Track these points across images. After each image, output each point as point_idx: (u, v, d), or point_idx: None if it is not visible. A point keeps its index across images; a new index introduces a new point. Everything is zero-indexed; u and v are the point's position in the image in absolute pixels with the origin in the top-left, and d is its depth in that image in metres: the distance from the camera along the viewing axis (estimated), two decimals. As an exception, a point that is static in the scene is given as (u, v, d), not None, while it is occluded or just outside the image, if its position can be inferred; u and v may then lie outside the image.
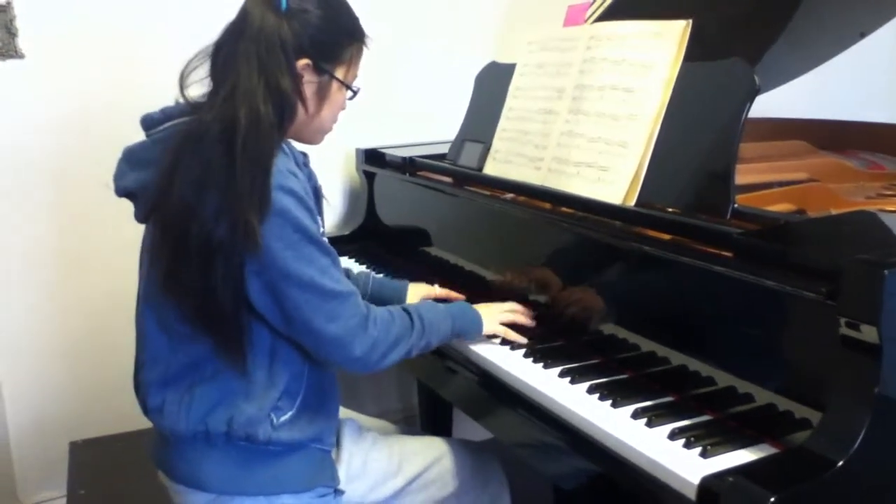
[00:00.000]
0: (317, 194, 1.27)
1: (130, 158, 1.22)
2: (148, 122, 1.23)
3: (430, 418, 2.25)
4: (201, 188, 1.11)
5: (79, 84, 1.93)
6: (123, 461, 1.71)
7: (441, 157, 1.95)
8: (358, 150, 2.18)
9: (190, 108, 1.19)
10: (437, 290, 1.61)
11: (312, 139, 1.30)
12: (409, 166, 1.99)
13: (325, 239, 1.27)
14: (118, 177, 1.23)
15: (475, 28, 2.37)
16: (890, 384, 0.94)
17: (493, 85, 1.82)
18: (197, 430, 1.20)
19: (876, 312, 0.92)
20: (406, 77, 2.30)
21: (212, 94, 1.18)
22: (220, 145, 1.11)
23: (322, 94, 1.24)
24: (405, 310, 1.30)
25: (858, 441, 0.91)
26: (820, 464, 0.91)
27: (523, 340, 1.42)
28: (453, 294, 1.61)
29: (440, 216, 1.89)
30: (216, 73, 1.19)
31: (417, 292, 1.60)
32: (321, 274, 1.15)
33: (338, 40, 1.24)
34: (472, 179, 1.77)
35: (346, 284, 1.20)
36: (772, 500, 0.87)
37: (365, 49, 1.29)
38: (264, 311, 1.16)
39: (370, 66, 2.17)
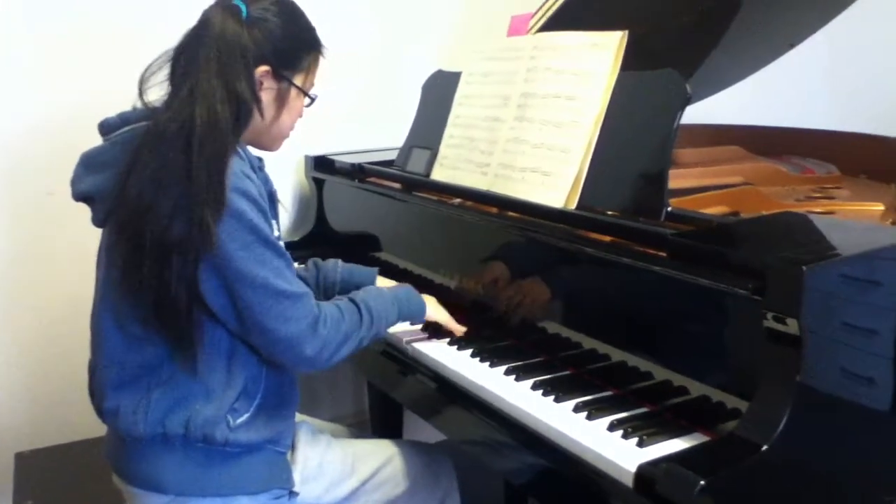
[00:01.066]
0: (272, 198, 1.30)
1: (87, 162, 1.24)
2: (105, 127, 1.25)
3: (380, 421, 2.27)
4: (158, 186, 1.13)
5: (31, 86, 1.91)
6: (73, 471, 1.69)
7: (390, 163, 1.98)
8: (307, 157, 2.20)
9: (149, 112, 1.21)
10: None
11: (271, 145, 1.33)
12: (357, 172, 2.02)
13: (281, 242, 1.30)
14: (75, 181, 1.24)
15: (422, 36, 2.41)
16: (811, 374, 1.00)
17: (439, 93, 1.86)
18: (155, 432, 1.21)
19: (797, 306, 0.98)
20: (354, 84, 2.32)
21: (170, 97, 1.21)
22: (177, 143, 1.13)
23: (281, 101, 1.27)
24: (353, 301, 1.33)
25: (781, 426, 0.96)
26: (746, 448, 0.97)
27: (461, 330, 1.48)
28: None
29: (389, 222, 1.92)
30: (176, 77, 1.21)
31: (385, 283, 1.62)
32: (275, 275, 1.17)
33: (297, 49, 1.28)
34: (420, 185, 1.81)
35: (298, 286, 1.22)
36: (701, 483, 0.92)
37: (322, 58, 1.33)
38: (218, 311, 1.18)
39: (319, 73, 2.21)
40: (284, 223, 2.27)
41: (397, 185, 1.88)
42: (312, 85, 1.34)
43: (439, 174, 1.77)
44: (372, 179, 1.98)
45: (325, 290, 1.59)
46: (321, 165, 2.16)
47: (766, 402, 1.00)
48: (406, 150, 1.92)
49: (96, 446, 1.34)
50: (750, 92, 2.24)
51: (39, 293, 1.94)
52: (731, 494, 0.94)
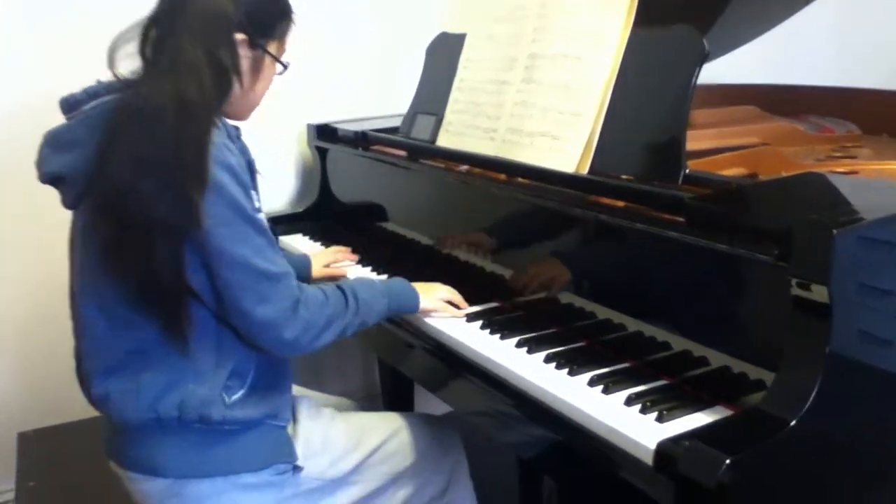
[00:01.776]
0: (251, 169, 1.24)
1: (53, 142, 1.17)
2: (70, 104, 1.19)
3: (391, 395, 2.24)
4: (140, 165, 1.07)
5: (30, 84, 1.85)
6: (75, 450, 1.67)
7: (394, 130, 1.92)
8: (309, 126, 2.14)
9: (120, 85, 1.16)
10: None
11: (243, 115, 1.29)
12: (361, 141, 1.96)
13: (262, 214, 1.25)
14: (41, 162, 1.18)
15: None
16: (840, 343, 0.95)
17: (444, 56, 1.80)
18: (147, 417, 1.18)
19: (826, 272, 0.92)
20: (357, 50, 2.26)
21: (148, 69, 1.15)
22: (162, 120, 1.08)
23: (256, 69, 1.24)
24: (340, 288, 1.28)
25: (810, 400, 0.91)
26: (773, 424, 0.92)
27: (461, 314, 1.42)
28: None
29: (395, 190, 1.87)
30: (151, 48, 1.16)
31: (320, 260, 1.67)
32: (255, 254, 1.13)
33: (271, 16, 1.24)
34: (425, 152, 1.75)
35: (280, 265, 1.17)
36: (727, 461, 0.87)
37: (293, 26, 1.29)
38: (199, 290, 1.14)
39: (320, 39, 2.15)
40: (288, 195, 2.23)
41: (402, 153, 1.82)
42: (284, 52, 1.30)
43: (445, 140, 1.71)
44: (376, 147, 1.92)
45: None
46: (324, 134, 2.11)
47: (793, 374, 0.95)
48: (410, 117, 1.86)
49: (97, 423, 1.30)
50: (756, 51, 2.16)
51: (34, 274, 1.90)
52: (756, 473, 0.90)
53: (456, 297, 1.44)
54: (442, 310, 1.42)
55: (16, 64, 1.85)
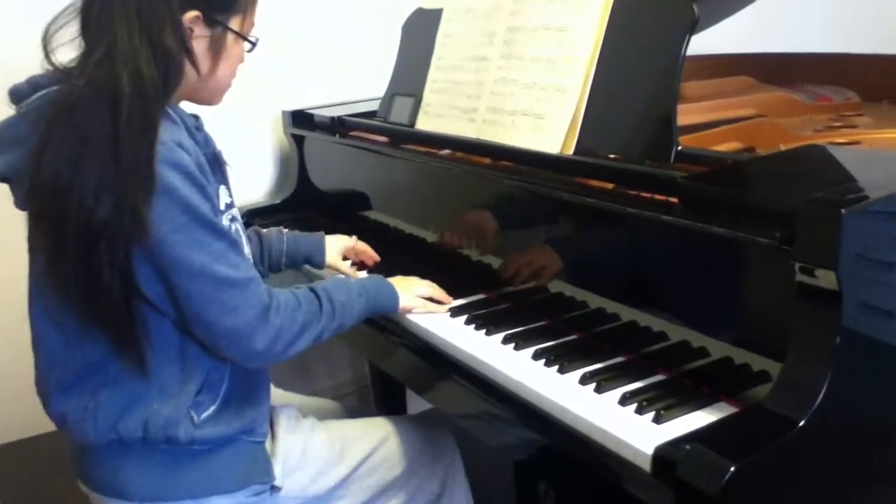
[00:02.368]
0: (217, 161, 1.15)
1: None
2: (15, 96, 1.09)
3: (382, 390, 2.16)
4: (77, 164, 0.97)
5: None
6: (48, 464, 1.59)
7: (373, 114, 1.84)
8: (284, 113, 2.04)
9: (61, 75, 1.05)
10: (355, 243, 1.56)
11: (211, 99, 1.17)
12: (338, 126, 1.87)
13: (234, 210, 1.17)
14: None
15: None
16: (855, 331, 0.87)
17: (421, 33, 1.71)
18: (108, 438, 1.09)
19: (834, 256, 0.84)
20: (330, 29, 2.16)
21: (84, 57, 1.04)
22: (98, 114, 0.98)
23: (217, 50, 1.11)
24: (313, 290, 1.19)
25: (820, 398, 0.84)
26: (781, 425, 0.84)
27: (443, 309, 1.35)
28: (370, 251, 1.57)
29: (375, 177, 1.78)
30: (88, 33, 1.04)
31: (335, 245, 1.53)
32: (214, 260, 1.03)
33: None
34: (404, 137, 1.67)
35: (244, 270, 1.08)
36: (732, 469, 0.79)
37: None
38: (155, 301, 1.05)
39: (291, 20, 2.05)
40: (266, 186, 2.14)
41: (382, 139, 1.74)
42: (252, 26, 1.16)
43: (424, 123, 1.62)
44: (354, 133, 1.83)
45: (271, 262, 1.46)
46: (300, 121, 2.01)
47: (799, 370, 0.87)
48: (388, 99, 1.78)
49: (64, 438, 1.22)
50: (748, 18, 2.06)
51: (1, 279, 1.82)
52: (762, 478, 0.82)
53: (437, 291, 1.36)
54: (422, 307, 1.33)
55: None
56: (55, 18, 1.05)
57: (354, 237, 1.57)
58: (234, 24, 1.12)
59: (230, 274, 1.04)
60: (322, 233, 1.53)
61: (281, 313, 1.10)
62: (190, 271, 1.01)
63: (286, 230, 1.51)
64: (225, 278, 1.04)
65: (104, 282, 1.00)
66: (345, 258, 1.56)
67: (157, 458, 1.11)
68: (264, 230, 1.50)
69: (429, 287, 1.36)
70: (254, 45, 1.16)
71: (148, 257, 1.01)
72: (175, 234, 1.00)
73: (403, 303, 1.31)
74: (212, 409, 1.12)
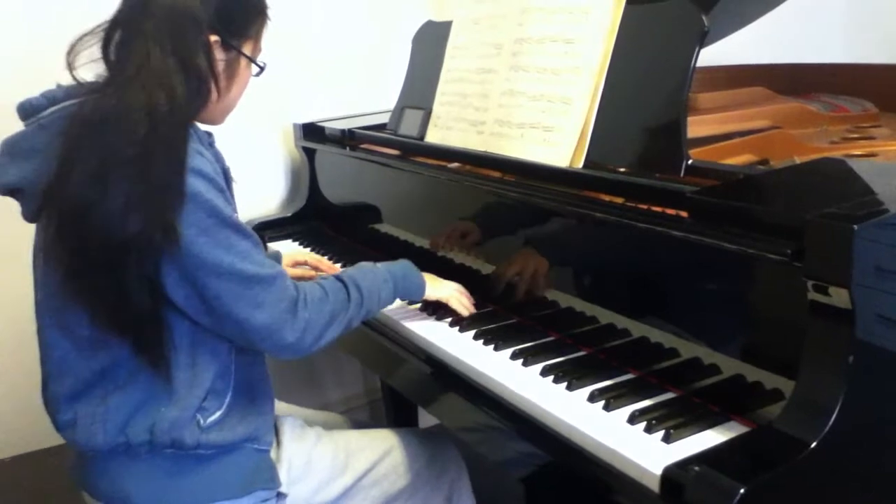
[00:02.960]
0: (226, 177, 1.16)
1: (11, 150, 1.09)
2: (28, 109, 1.11)
3: (394, 404, 2.15)
4: (105, 179, 0.99)
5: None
6: (52, 477, 1.59)
7: (383, 126, 1.84)
8: (295, 126, 2.05)
9: (81, 90, 1.08)
10: (307, 255, 1.61)
11: (217, 119, 1.21)
12: (348, 139, 1.87)
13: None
14: None
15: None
16: (869, 348, 0.84)
17: (430, 46, 1.70)
18: (116, 442, 1.10)
19: (846, 274, 0.82)
20: (341, 44, 2.16)
21: (113, 75, 1.07)
22: (130, 133, 1.00)
23: (230, 72, 1.15)
24: (339, 279, 1.21)
25: (832, 419, 0.81)
26: (792, 446, 0.82)
27: (467, 312, 1.35)
28: (324, 262, 1.61)
29: (386, 190, 1.78)
30: (116, 53, 1.08)
31: (292, 258, 1.58)
32: (241, 259, 1.06)
33: (244, 15, 1.16)
34: (413, 149, 1.66)
35: (269, 266, 1.10)
36: (741, 491, 0.77)
37: (269, 22, 1.21)
38: (183, 305, 1.07)
39: (305, 36, 2.06)
40: (276, 198, 2.14)
41: (392, 151, 1.73)
42: (260, 51, 1.21)
43: (433, 136, 1.61)
44: (365, 146, 1.83)
45: None
46: (311, 133, 2.02)
47: (811, 390, 0.84)
48: (398, 112, 1.77)
49: (70, 450, 1.22)
50: (762, 28, 2.04)
51: (6, 292, 1.81)
52: (772, 501, 0.80)
53: (466, 294, 1.38)
54: (449, 300, 1.35)
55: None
56: (80, 38, 1.09)
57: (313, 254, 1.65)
58: (247, 49, 1.17)
59: (258, 271, 1.07)
60: (278, 251, 1.58)
61: (309, 305, 1.13)
62: (218, 271, 1.04)
63: (283, 252, 1.56)
64: (253, 275, 1.07)
65: (133, 293, 1.02)
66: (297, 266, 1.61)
67: (162, 464, 1.13)
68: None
69: (457, 289, 1.37)
70: (262, 69, 1.21)
71: (176, 263, 1.03)
72: (202, 236, 1.02)
73: (430, 291, 1.33)
74: (217, 414, 1.13)
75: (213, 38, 1.11)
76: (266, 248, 1.51)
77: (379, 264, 1.29)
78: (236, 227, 1.07)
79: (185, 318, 1.09)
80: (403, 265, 1.33)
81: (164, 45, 1.05)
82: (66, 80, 1.11)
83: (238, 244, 1.06)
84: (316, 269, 1.59)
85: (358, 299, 1.20)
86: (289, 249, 1.59)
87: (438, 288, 1.35)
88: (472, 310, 1.36)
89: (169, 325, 1.08)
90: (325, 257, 1.76)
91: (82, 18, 1.11)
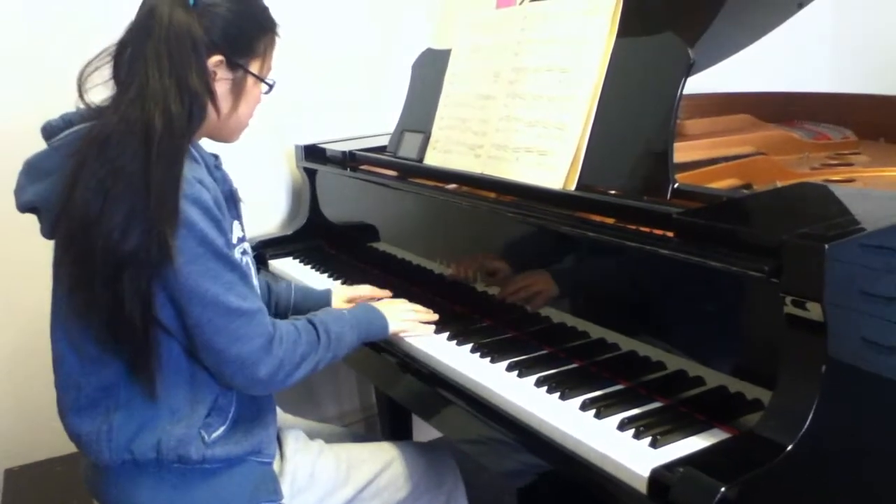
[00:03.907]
0: (233, 197, 1.21)
1: (29, 170, 1.15)
2: (48, 131, 1.16)
3: (389, 418, 2.19)
4: (106, 196, 1.04)
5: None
6: (64, 486, 1.63)
7: (383, 149, 1.90)
8: (297, 147, 2.11)
9: (93, 113, 1.12)
10: (362, 291, 1.58)
11: (229, 138, 1.25)
12: (349, 160, 1.93)
13: (245, 244, 1.22)
14: (18, 191, 1.16)
15: (411, 14, 2.31)
16: (842, 358, 0.91)
17: (429, 72, 1.77)
18: (122, 459, 1.14)
19: (819, 288, 0.89)
20: (344, 68, 2.23)
21: (117, 96, 1.12)
22: (129, 150, 1.04)
23: (237, 91, 1.18)
24: (311, 323, 1.24)
25: (807, 423, 0.87)
26: (770, 449, 0.88)
27: (430, 330, 1.40)
28: (378, 292, 1.58)
29: (385, 210, 1.83)
30: (121, 74, 1.12)
31: (341, 295, 1.56)
32: (226, 291, 1.09)
33: (250, 33, 1.18)
34: (413, 171, 1.72)
35: (252, 301, 1.13)
36: (722, 490, 0.83)
37: (278, 39, 1.24)
38: (167, 325, 1.10)
39: (305, 58, 2.13)
40: (278, 217, 2.20)
41: (391, 173, 1.79)
42: (270, 69, 1.24)
43: (432, 159, 1.68)
44: (365, 167, 1.89)
45: (277, 314, 1.51)
46: (312, 155, 2.08)
47: (787, 396, 0.91)
48: (398, 135, 1.84)
49: (79, 461, 1.27)
50: (749, 57, 2.12)
51: (21, 304, 1.87)
52: (752, 501, 0.85)
53: (421, 312, 1.43)
54: (412, 329, 1.39)
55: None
56: (90, 61, 1.13)
57: (363, 287, 1.61)
58: (254, 67, 1.20)
59: (240, 304, 1.10)
60: (329, 289, 1.57)
61: (283, 344, 1.16)
62: (202, 300, 1.07)
63: (295, 284, 1.57)
64: (235, 308, 1.10)
65: (126, 309, 1.05)
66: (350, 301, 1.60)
67: (169, 477, 1.15)
68: (274, 283, 1.55)
69: (413, 310, 1.42)
70: (271, 87, 1.24)
71: (164, 285, 1.07)
72: (191, 264, 1.06)
73: (392, 328, 1.37)
74: (221, 429, 1.17)
75: (217, 58, 1.13)
76: (267, 268, 1.54)
77: (345, 311, 1.33)
78: (225, 260, 1.10)
79: (179, 339, 1.13)
80: (367, 309, 1.36)
81: (163, 65, 1.07)
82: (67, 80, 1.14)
83: (224, 276, 1.09)
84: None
85: (326, 343, 1.23)
86: (298, 272, 1.59)
87: (395, 319, 1.38)
88: (433, 317, 1.42)
89: (161, 345, 1.11)
90: (325, 275, 1.82)
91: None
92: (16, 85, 1.81)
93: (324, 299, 1.54)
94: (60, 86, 1.18)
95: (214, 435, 1.16)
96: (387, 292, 1.58)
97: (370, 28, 2.26)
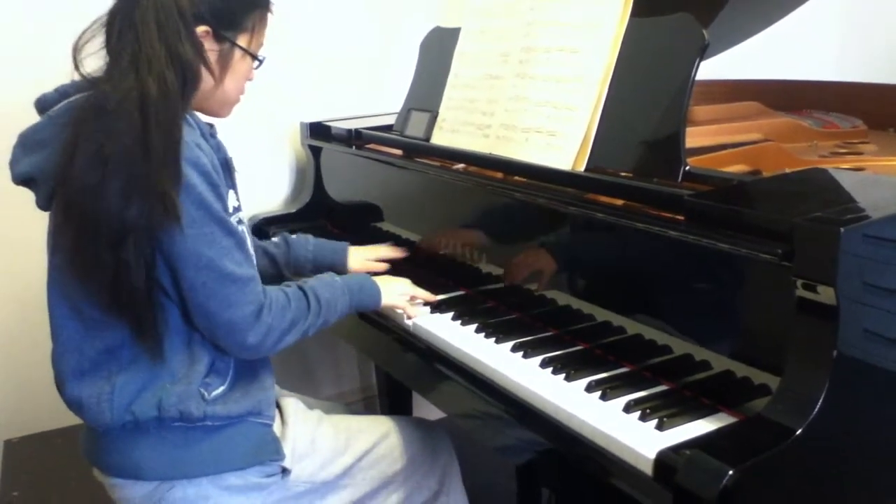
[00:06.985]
0: (227, 166, 1.21)
1: (25, 142, 1.14)
2: (43, 103, 1.16)
3: (389, 398, 2.19)
4: (105, 163, 1.04)
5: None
6: (63, 457, 1.63)
7: (389, 128, 1.88)
8: (302, 124, 2.09)
9: (88, 84, 1.12)
10: (380, 250, 1.61)
11: (218, 112, 1.25)
12: (355, 139, 1.92)
13: (241, 213, 1.23)
14: (13, 163, 1.15)
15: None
16: (847, 347, 0.90)
17: (438, 51, 1.75)
18: (123, 420, 1.15)
19: (832, 272, 0.88)
20: (352, 46, 2.22)
21: (111, 65, 1.12)
22: (126, 117, 1.05)
23: (224, 64, 1.19)
24: (301, 289, 1.26)
25: (817, 407, 0.87)
26: (779, 433, 0.87)
27: (424, 311, 1.41)
28: (396, 251, 1.62)
29: (390, 190, 1.82)
30: (113, 43, 1.12)
31: (358, 256, 1.58)
32: (221, 256, 1.11)
33: (237, 7, 1.18)
34: (419, 151, 1.71)
35: (246, 269, 1.15)
36: (730, 473, 0.83)
37: (270, 16, 1.24)
38: (168, 288, 1.12)
39: (314, 36, 2.11)
40: (281, 195, 2.18)
41: (397, 152, 1.78)
42: (261, 45, 1.24)
43: (439, 138, 1.67)
44: (370, 146, 1.88)
45: (296, 268, 1.53)
46: (317, 132, 2.06)
47: (798, 380, 0.90)
48: (405, 114, 1.82)
49: (77, 433, 1.27)
50: (758, 45, 2.11)
51: (18, 277, 1.86)
52: (759, 484, 0.85)
53: (417, 290, 1.43)
54: (403, 307, 1.40)
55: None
56: (83, 32, 1.12)
57: (378, 246, 1.63)
58: (242, 41, 1.20)
59: (234, 270, 1.12)
60: (346, 243, 1.58)
61: (273, 311, 1.17)
62: (197, 264, 1.09)
63: (312, 238, 1.57)
64: (229, 273, 1.11)
65: (131, 272, 1.06)
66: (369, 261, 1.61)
67: (170, 437, 1.17)
68: (292, 236, 1.56)
69: (409, 285, 1.43)
70: (261, 62, 1.24)
71: (160, 248, 1.08)
72: (188, 227, 1.07)
73: (385, 301, 1.37)
74: (221, 388, 1.18)
75: (204, 28, 1.14)
76: (288, 242, 1.55)
77: (338, 277, 1.34)
78: (222, 224, 1.11)
79: (178, 303, 1.14)
80: (360, 278, 1.38)
81: (152, 33, 1.08)
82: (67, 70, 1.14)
83: (221, 241, 1.11)
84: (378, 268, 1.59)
85: (317, 309, 1.25)
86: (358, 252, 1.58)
87: (390, 294, 1.39)
88: (430, 298, 1.42)
89: (163, 308, 1.13)
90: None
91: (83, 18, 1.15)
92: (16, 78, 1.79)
93: (340, 254, 1.56)
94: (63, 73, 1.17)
95: (214, 393, 1.17)
96: (403, 251, 1.61)
97: (380, 5, 2.24)
